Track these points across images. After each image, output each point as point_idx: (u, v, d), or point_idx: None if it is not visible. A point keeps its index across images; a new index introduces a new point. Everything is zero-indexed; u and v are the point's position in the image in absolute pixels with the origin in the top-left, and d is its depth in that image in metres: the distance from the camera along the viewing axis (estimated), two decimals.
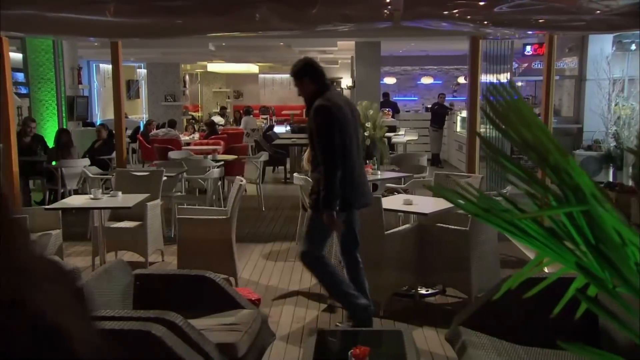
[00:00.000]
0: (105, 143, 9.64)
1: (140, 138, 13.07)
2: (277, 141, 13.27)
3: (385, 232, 4.48)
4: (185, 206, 5.72)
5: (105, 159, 9.33)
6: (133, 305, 3.47)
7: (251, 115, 18.95)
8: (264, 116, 22.30)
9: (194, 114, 23.08)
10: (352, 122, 3.98)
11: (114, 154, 9.54)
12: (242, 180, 5.31)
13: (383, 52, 12.84)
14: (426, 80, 17.89)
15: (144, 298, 3.52)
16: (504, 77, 9.88)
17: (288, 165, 12.49)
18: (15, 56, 13.12)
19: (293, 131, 17.70)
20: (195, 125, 16.78)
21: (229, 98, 25.79)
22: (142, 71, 20.65)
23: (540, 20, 5.87)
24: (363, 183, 4.11)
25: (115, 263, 3.43)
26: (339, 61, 19.37)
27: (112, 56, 9.00)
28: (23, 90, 12.62)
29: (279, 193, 10.39)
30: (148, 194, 5.66)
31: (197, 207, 5.66)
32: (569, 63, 11.59)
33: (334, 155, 3.76)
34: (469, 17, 4.42)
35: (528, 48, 11.77)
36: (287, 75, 25.93)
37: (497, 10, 4.26)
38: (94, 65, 18.14)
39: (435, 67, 18.14)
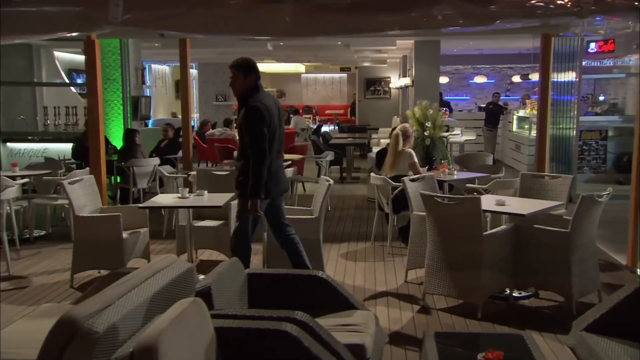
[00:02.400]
0: (172, 142, 9.78)
1: (196, 137, 13.24)
2: (333, 141, 13.29)
3: (483, 233, 4.41)
4: None
5: (171, 158, 9.46)
6: (248, 304, 3.50)
7: (300, 115, 19.04)
8: (307, 116, 22.35)
9: None
10: (278, 121, 4.57)
11: (179, 153, 9.69)
12: (329, 180, 5.30)
13: None
14: (479, 80, 17.63)
15: (256, 297, 3.55)
16: (570, 76, 9.66)
17: (344, 164, 12.48)
18: (75, 57, 13.45)
19: (342, 130, 17.70)
20: None
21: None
22: (192, 71, 20.91)
23: None
24: (279, 172, 4.70)
25: (231, 263, 3.45)
26: (388, 61, 19.24)
27: (180, 56, 9.15)
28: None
29: (339, 192, 10.37)
30: (232, 193, 5.70)
31: (289, 207, 5.66)
32: (636, 60, 11.29)
33: (264, 150, 4.37)
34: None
35: (592, 45, 11.49)
36: (330, 75, 26.16)
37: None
38: (147, 65, 18.44)
39: (488, 66, 17.87)
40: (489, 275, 4.45)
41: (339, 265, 5.95)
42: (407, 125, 7.02)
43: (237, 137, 4.76)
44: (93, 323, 2.43)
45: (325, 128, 18.47)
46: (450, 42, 13.02)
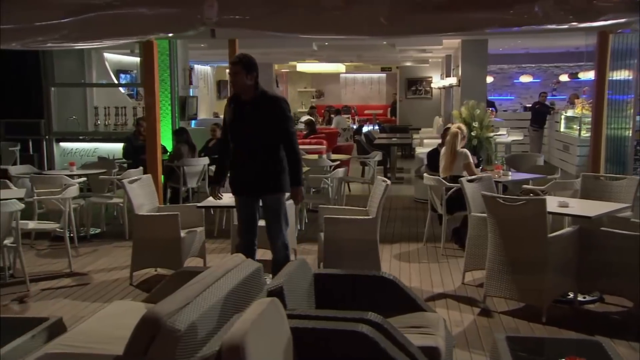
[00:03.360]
0: (219, 142, 9.84)
1: None
2: (377, 141, 13.22)
3: (549, 235, 4.31)
4: (329, 206, 5.74)
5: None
6: (315, 304, 3.49)
7: (341, 115, 19.00)
8: (346, 115, 22.29)
9: None
10: None
11: None
12: (386, 181, 5.26)
13: None
14: (525, 79, 17.31)
15: (323, 298, 3.54)
16: (626, 74, 9.38)
17: (388, 165, 12.41)
18: (123, 59, 13.70)
19: (383, 131, 17.61)
20: None
21: (313, 98, 25.96)
22: None
23: None
24: None
25: (300, 262, 3.44)
26: (430, 60, 19.06)
27: (229, 56, 9.20)
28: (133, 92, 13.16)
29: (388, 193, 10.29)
30: (288, 193, 5.71)
31: (338, 207, 5.66)
32: None
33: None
34: None
35: None
36: (369, 75, 26.06)
37: None
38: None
39: (533, 65, 17.54)
40: (553, 278, 4.35)
41: (393, 267, 5.90)
42: (462, 125, 6.93)
43: (246, 133, 4.53)
44: (175, 321, 2.46)
45: (365, 128, 18.40)
46: (497, 40, 12.82)
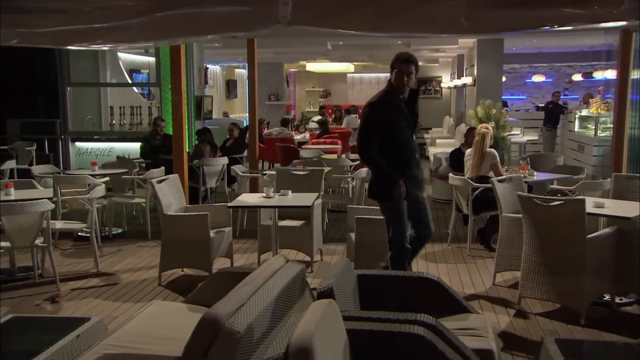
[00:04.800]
0: (237, 142, 9.84)
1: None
2: None
3: (587, 236, 4.27)
4: (358, 206, 5.70)
5: (237, 157, 9.52)
6: (360, 306, 3.46)
7: (351, 114, 18.96)
8: (353, 115, 22.23)
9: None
10: None
11: (245, 152, 9.75)
12: None
13: None
14: (537, 79, 17.24)
15: (367, 299, 3.50)
16: None
17: None
18: (136, 58, 13.69)
19: None
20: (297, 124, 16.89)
21: (321, 97, 25.94)
22: (240, 71, 21.06)
23: None
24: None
25: (345, 263, 3.41)
26: (440, 59, 19.01)
27: (248, 55, 9.22)
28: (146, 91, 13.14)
29: None
30: (317, 193, 5.69)
31: (367, 207, 5.63)
32: None
33: None
34: None
35: None
36: (376, 75, 26.01)
37: None
38: None
39: (545, 65, 17.47)
40: (591, 280, 4.31)
41: (420, 267, 5.85)
42: (488, 125, 6.89)
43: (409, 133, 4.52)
44: (233, 322, 2.43)
45: None
46: (511, 40, 12.77)
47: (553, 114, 14.36)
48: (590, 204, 4.67)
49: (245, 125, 11.46)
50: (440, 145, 14.12)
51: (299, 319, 2.61)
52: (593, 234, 4.38)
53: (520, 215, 4.96)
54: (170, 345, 2.98)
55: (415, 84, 4.78)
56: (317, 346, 2.21)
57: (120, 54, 12.47)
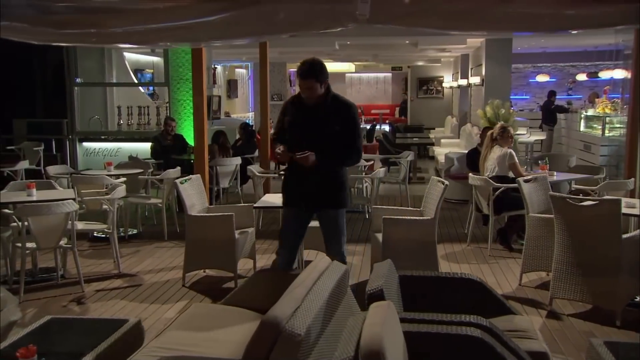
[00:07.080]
0: (247, 142, 9.79)
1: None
2: (398, 141, 13.17)
3: (623, 237, 4.25)
4: (382, 206, 5.66)
5: (248, 158, 9.47)
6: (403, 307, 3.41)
7: None
8: None
9: None
10: None
11: (256, 153, 9.71)
12: (444, 182, 5.20)
13: None
14: (541, 78, 17.26)
15: (409, 300, 3.46)
16: None
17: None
18: (141, 58, 13.60)
19: (398, 131, 17.53)
20: None
21: None
22: (241, 71, 20.99)
23: None
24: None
25: (388, 264, 3.37)
26: (442, 59, 19.00)
27: (260, 56, 9.15)
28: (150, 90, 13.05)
29: (412, 193, 10.21)
30: None
31: (392, 207, 5.59)
32: None
33: None
34: None
35: None
36: (375, 75, 26.00)
37: None
38: None
39: (549, 65, 17.49)
40: (627, 281, 4.28)
41: (443, 268, 5.81)
42: (505, 123, 6.86)
43: (319, 136, 4.08)
44: (293, 325, 2.38)
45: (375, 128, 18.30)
46: (517, 39, 12.76)
47: (553, 114, 14.40)
48: (622, 204, 4.65)
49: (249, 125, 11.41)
50: (445, 145, 14.12)
51: (357, 320, 2.57)
52: (628, 235, 4.35)
53: (547, 216, 4.94)
54: (219, 347, 2.94)
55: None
56: (387, 349, 2.17)
57: (125, 54, 12.38)
